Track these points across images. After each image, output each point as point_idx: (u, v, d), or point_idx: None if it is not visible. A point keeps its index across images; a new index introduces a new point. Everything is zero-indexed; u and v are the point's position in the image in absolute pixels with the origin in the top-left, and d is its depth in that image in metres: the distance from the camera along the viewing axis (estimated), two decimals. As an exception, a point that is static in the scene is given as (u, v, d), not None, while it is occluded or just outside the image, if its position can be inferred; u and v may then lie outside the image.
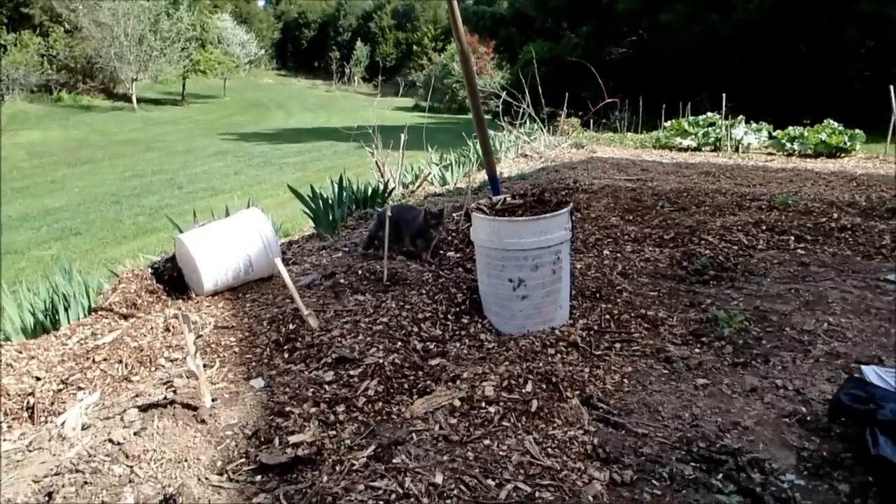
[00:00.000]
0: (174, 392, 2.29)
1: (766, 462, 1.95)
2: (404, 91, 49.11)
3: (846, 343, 2.80)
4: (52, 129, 29.62)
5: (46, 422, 2.43)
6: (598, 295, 3.26)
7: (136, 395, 2.38)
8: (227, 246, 3.83)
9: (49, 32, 37.73)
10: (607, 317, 2.98)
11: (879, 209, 5.34)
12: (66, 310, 3.74)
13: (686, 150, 11.32)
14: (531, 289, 2.74)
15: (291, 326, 2.83)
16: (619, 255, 4.10)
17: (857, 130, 10.66)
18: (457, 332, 2.83)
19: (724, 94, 11.39)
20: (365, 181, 9.48)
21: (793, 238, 4.49)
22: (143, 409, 2.15)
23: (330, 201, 5.92)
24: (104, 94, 40.88)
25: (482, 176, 9.23)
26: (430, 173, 8.44)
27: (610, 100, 10.91)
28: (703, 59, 22.62)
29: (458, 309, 2.98)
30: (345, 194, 6.22)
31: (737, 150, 10.84)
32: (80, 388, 2.60)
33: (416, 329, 2.79)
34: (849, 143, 10.54)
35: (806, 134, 10.76)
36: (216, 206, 12.89)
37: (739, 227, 4.69)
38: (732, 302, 3.30)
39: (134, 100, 38.43)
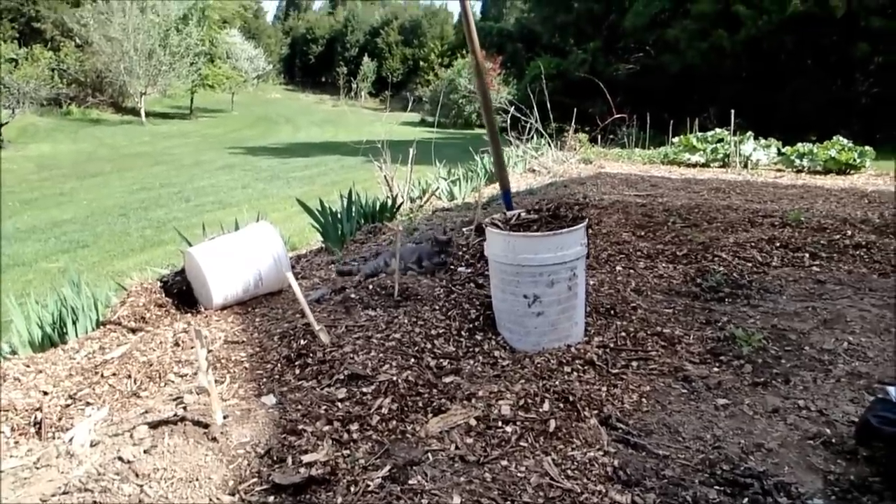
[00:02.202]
0: (184, 409, 2.24)
1: (793, 486, 1.89)
2: (412, 106, 49.37)
3: (867, 363, 2.74)
4: (61, 143, 29.84)
5: (54, 437, 2.39)
6: (612, 312, 3.22)
7: (146, 412, 2.34)
8: (236, 260, 3.80)
9: (60, 47, 38.08)
10: (623, 334, 2.93)
11: (894, 226, 5.28)
12: (74, 323, 3.71)
13: (694, 165, 11.28)
14: (546, 305, 2.70)
15: (303, 342, 2.79)
16: (632, 271, 4.06)
17: (866, 147, 10.60)
18: (470, 349, 2.78)
19: (732, 111, 11.36)
20: (373, 195, 9.49)
21: (807, 255, 4.43)
22: (154, 425, 2.11)
23: (339, 215, 5.90)
24: (113, 107, 41.18)
25: (490, 190, 9.22)
26: (437, 188, 8.43)
27: (618, 115, 10.91)
28: (711, 75, 22.65)
29: (471, 325, 2.94)
30: (353, 208, 6.19)
31: (745, 166, 10.80)
32: (88, 404, 2.57)
33: (428, 346, 2.74)
34: (858, 160, 10.48)
35: (815, 150, 10.71)
36: (224, 219, 12.92)
37: (753, 244, 4.64)
38: (749, 320, 3.24)
39: (143, 114, 38.69)
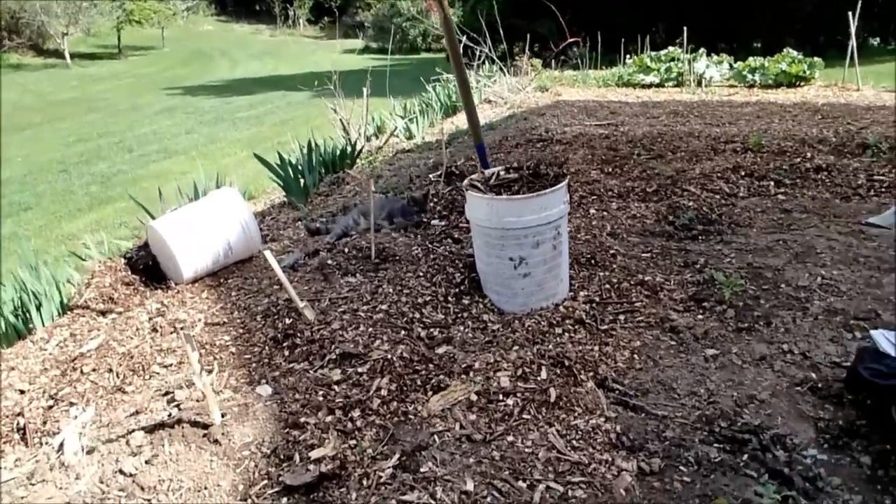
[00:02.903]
0: (178, 407, 2.19)
1: (787, 437, 1.97)
2: (353, 33, 47.60)
3: (841, 298, 2.83)
4: (-20, 93, 27.88)
5: (41, 444, 2.31)
6: (593, 261, 3.23)
7: (137, 412, 2.27)
8: (203, 232, 3.66)
9: (-35, -14, 35.13)
10: (607, 286, 2.95)
11: (850, 145, 5.39)
12: (38, 309, 3.55)
13: (649, 86, 11.24)
14: (532, 266, 2.68)
15: (287, 321, 2.73)
16: (605, 213, 4.06)
17: (815, 59, 10.71)
18: (459, 315, 2.77)
19: (684, 28, 11.26)
20: (326, 137, 9.22)
21: (772, 183, 4.51)
22: (150, 430, 2.06)
23: (299, 167, 5.72)
24: (34, 50, 38.49)
25: (449, 125, 9.06)
26: (395, 128, 8.22)
27: (572, 39, 10.69)
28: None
29: (457, 290, 2.91)
30: (314, 157, 6.00)
31: (699, 84, 10.81)
32: (72, 404, 2.48)
33: (417, 315, 2.71)
34: (808, 72, 10.60)
35: (766, 65, 10.77)
36: (172, 168, 12.49)
37: (719, 174, 4.68)
38: (725, 259, 3.30)
39: (67, 56, 36.32)
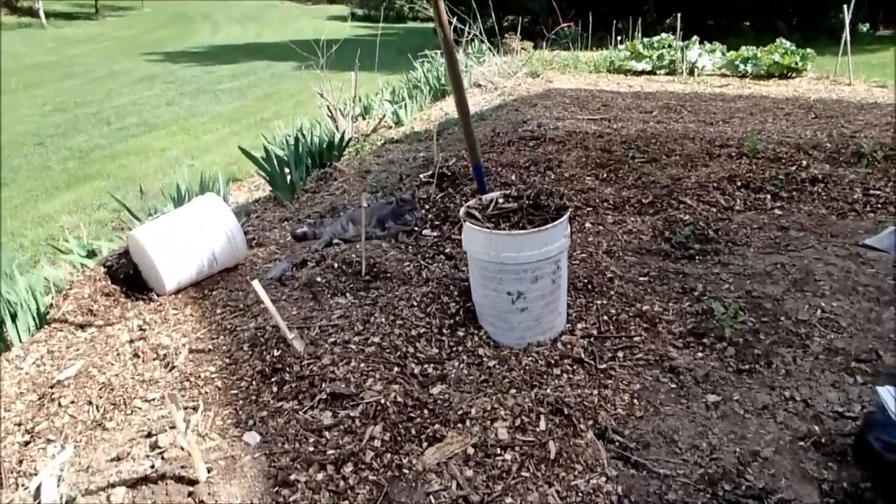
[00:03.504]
0: (162, 457, 2.09)
1: (792, 503, 1.93)
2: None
3: (842, 335, 2.79)
4: (-49, 53, 26.91)
5: (17, 486, 2.21)
6: (590, 286, 3.15)
7: (118, 458, 2.17)
8: (187, 242, 3.53)
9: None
10: (605, 317, 2.88)
11: (845, 153, 5.34)
12: (13, 319, 3.41)
13: (641, 73, 11.10)
14: (531, 301, 2.60)
15: (276, 353, 2.63)
16: (601, 227, 3.98)
17: (808, 50, 10.63)
18: (454, 349, 2.69)
19: (678, 15, 11.10)
20: (312, 119, 9.01)
21: (769, 196, 4.45)
22: (132, 485, 1.96)
23: (286, 159, 5.55)
24: (7, 8, 37.18)
25: (438, 112, 8.88)
26: (384, 116, 8.03)
27: (565, 24, 10.54)
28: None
29: (452, 321, 2.82)
30: (300, 151, 5.84)
31: (692, 73, 10.69)
32: (49, 441, 2.37)
33: (411, 350, 2.63)
34: (800, 63, 10.52)
35: (759, 55, 10.66)
36: (152, 144, 12.18)
37: (715, 185, 4.61)
38: (723, 286, 3.24)
39: (42, 15, 35.15)
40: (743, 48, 11.01)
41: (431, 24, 15.28)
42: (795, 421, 2.28)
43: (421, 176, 5.03)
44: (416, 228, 4.06)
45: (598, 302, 3.01)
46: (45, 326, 3.31)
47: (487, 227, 2.59)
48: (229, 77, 19.52)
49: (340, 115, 7.59)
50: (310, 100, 10.03)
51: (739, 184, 4.64)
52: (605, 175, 4.90)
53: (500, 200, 2.76)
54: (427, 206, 4.28)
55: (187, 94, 17.01)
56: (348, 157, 6.73)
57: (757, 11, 21.87)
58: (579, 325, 2.83)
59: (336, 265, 3.49)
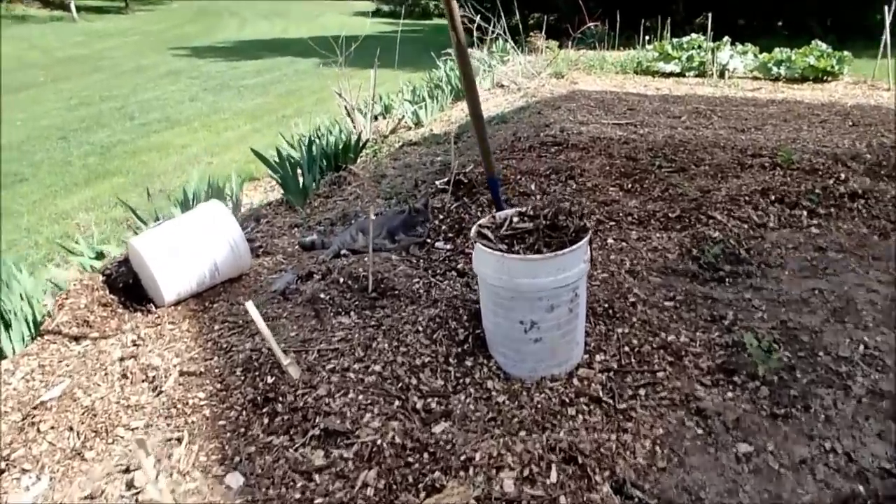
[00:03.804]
0: (136, 500, 1.93)
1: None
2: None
3: (887, 375, 2.54)
4: (-16, 46, 27.26)
5: (-13, 520, 2.07)
6: (611, 311, 2.93)
7: (91, 496, 2.01)
8: (188, 252, 3.37)
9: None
10: (626, 349, 2.66)
11: (886, 165, 5.03)
12: (7, 329, 3.28)
13: (669, 75, 10.76)
14: (545, 331, 2.39)
15: (270, 379, 2.45)
16: (624, 244, 3.75)
17: (844, 53, 10.21)
18: (461, 381, 2.49)
19: (709, 15, 10.75)
20: (331, 118, 8.86)
21: (805, 213, 4.17)
22: (101, 533, 1.80)
23: (299, 164, 5.39)
24: (40, 1, 37.70)
25: (458, 113, 8.67)
26: (403, 116, 7.84)
27: (592, 23, 10.26)
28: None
29: (459, 349, 2.62)
30: (315, 154, 5.67)
31: (722, 75, 10.34)
32: (24, 470, 2.22)
33: (414, 381, 2.43)
34: (837, 67, 10.12)
35: (793, 58, 10.27)
36: (173, 140, 12.14)
37: (747, 198, 4.34)
38: (756, 314, 3.00)
39: (73, 9, 35.54)
40: (776, 50, 10.63)
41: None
42: (837, 479, 2.04)
43: (436, 183, 4.83)
44: (429, 240, 3.87)
45: (620, 330, 2.79)
46: (39, 338, 3.18)
47: (500, 249, 2.38)
48: (253, 73, 19.49)
49: (359, 114, 7.42)
50: (331, 97, 9.89)
51: (773, 198, 4.37)
52: (629, 185, 4.66)
53: (515, 219, 2.55)
54: (441, 217, 4.09)
55: (211, 89, 17.01)
56: (365, 160, 6.56)
57: (790, 10, 21.28)
58: (598, 357, 2.61)
59: (342, 280, 3.31)
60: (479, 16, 11.04)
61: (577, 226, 2.43)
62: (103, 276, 3.53)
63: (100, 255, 4.57)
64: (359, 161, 6.43)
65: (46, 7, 37.41)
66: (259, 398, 2.38)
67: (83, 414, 2.42)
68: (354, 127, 7.21)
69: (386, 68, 10.99)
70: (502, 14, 11.91)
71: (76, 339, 3.17)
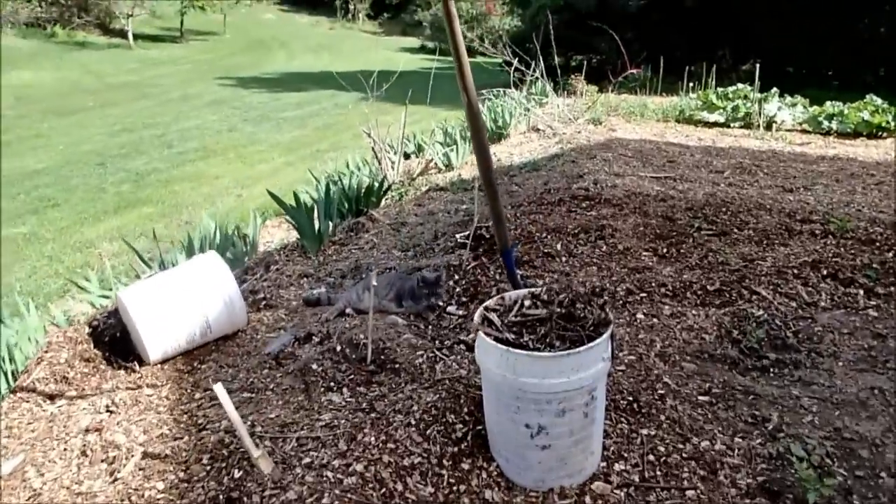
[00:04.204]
0: None
1: None
2: (411, 30, 47.33)
3: (967, 509, 2.12)
4: (44, 69, 28.34)
5: None
6: (636, 406, 2.57)
7: None
8: (178, 308, 3.14)
9: (37, -34, 35.84)
10: (651, 457, 2.29)
11: (953, 237, 4.57)
12: (-17, 382, 3.07)
13: (713, 125, 10.37)
14: (555, 437, 2.05)
15: (237, 473, 2.16)
16: (655, 320, 3.39)
17: (901, 108, 9.72)
18: (454, 488, 2.14)
19: (756, 65, 10.38)
20: (363, 157, 8.71)
21: (861, 291, 3.75)
22: None
23: (315, 208, 5.18)
24: (101, 29, 39.11)
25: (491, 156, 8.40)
26: (432, 160, 7.63)
27: (632, 70, 9.99)
28: (725, 10, 21.18)
29: (456, 448, 2.29)
30: (335, 195, 5.45)
31: (769, 127, 9.91)
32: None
33: (399, 487, 2.10)
34: (892, 123, 9.61)
35: (845, 112, 9.81)
36: (206, 171, 12.17)
37: (795, 271, 3.95)
38: (805, 417, 2.60)
39: (130, 37, 36.80)
40: (828, 103, 10.18)
41: (498, 60, 14.90)
42: None
43: (457, 236, 4.54)
44: (442, 303, 3.56)
45: (644, 432, 2.43)
46: (12, 395, 2.95)
47: (505, 339, 2.06)
48: (294, 105, 19.69)
49: (387, 156, 7.23)
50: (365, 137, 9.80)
51: (825, 272, 3.96)
52: (664, 250, 4.30)
53: (527, 303, 2.23)
54: (456, 277, 3.79)
55: (250, 120, 17.20)
56: (389, 203, 6.34)
57: (842, 60, 20.68)
58: (617, 466, 2.25)
59: (339, 348, 3.02)
60: (517, 58, 10.86)
61: (598, 318, 2.10)
62: (90, 327, 3.32)
63: (109, 291, 4.40)
64: (382, 204, 6.20)
65: (106, 34, 38.81)
66: (221, 497, 2.08)
67: (28, 499, 2.15)
68: (381, 168, 7.01)
69: (423, 105, 10.88)
70: (541, 57, 11.73)
71: (51, 397, 2.94)
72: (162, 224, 8.76)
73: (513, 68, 11.06)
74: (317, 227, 4.97)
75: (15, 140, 14.69)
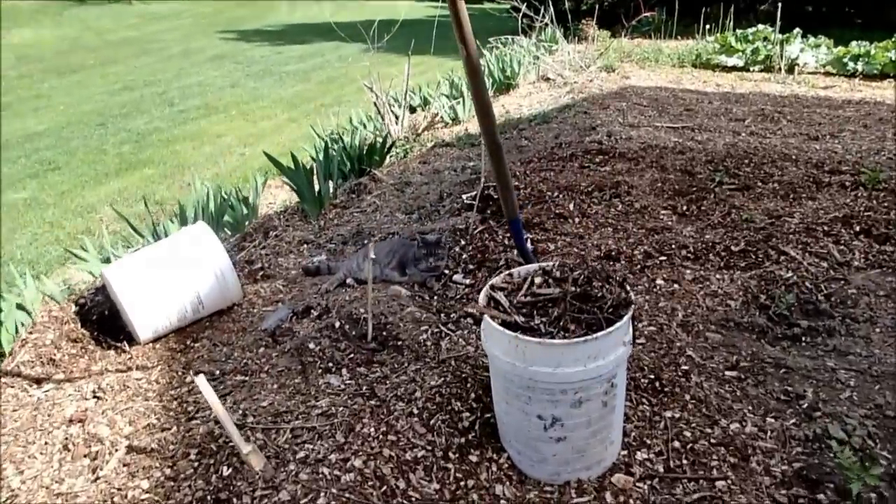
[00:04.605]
0: None
1: None
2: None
3: None
4: (44, 27, 27.84)
5: None
6: (658, 384, 2.37)
7: None
8: (167, 284, 2.95)
9: (32, -84, 34.77)
10: (676, 444, 2.10)
11: None
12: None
13: (732, 69, 9.88)
14: (571, 429, 1.86)
15: (226, 471, 1.99)
16: (676, 286, 3.16)
17: (933, 46, 9.18)
18: (461, 484, 1.97)
19: (778, 3, 9.83)
20: (366, 113, 8.38)
21: (898, 249, 3.50)
22: None
23: (314, 170, 4.93)
24: (97, -17, 38.26)
25: (498, 108, 8.07)
26: (437, 114, 7.31)
27: (647, 13, 9.51)
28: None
29: (463, 439, 2.10)
30: (336, 154, 5.20)
31: (791, 70, 9.42)
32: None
33: (401, 484, 1.93)
34: (922, 63, 9.10)
35: (872, 52, 9.29)
36: (208, 129, 11.88)
37: (825, 228, 3.69)
38: (843, 393, 2.39)
39: (130, -10, 35.94)
40: (853, 43, 9.64)
41: (506, 6, 14.27)
42: None
43: (463, 197, 4.31)
44: (447, 271, 3.36)
45: (668, 414, 2.23)
46: (-3, 379, 2.80)
47: (514, 323, 1.86)
48: (297, 58, 19.18)
49: (391, 111, 6.92)
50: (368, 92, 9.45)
51: (857, 228, 3.69)
52: (684, 207, 4.04)
53: (538, 280, 2.01)
54: (463, 242, 3.57)
55: (253, 75, 16.76)
56: (393, 160, 6.07)
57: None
58: (639, 455, 2.06)
59: (338, 324, 2.83)
60: (525, 3, 10.37)
61: (617, 297, 1.88)
62: (76, 305, 3.14)
63: (108, 261, 4.23)
64: (387, 161, 5.94)
65: (104, -12, 37.95)
66: (209, 497, 1.92)
67: (5, 501, 2.01)
68: (385, 124, 6.71)
69: (429, 55, 10.44)
70: (551, 2, 11.21)
71: (38, 381, 2.79)
72: (164, 186, 8.56)
73: (521, 14, 10.56)
74: (317, 189, 4.73)
75: (15, 102, 14.44)
